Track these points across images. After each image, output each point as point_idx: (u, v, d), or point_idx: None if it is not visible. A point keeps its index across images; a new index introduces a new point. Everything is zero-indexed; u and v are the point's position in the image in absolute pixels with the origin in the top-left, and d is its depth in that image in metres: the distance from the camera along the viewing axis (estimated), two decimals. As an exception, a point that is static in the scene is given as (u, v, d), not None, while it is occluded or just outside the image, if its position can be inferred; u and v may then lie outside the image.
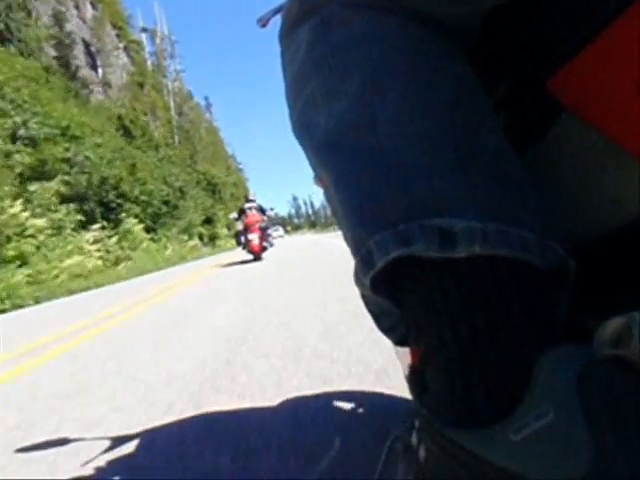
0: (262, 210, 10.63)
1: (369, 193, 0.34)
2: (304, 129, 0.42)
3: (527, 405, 0.27)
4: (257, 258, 9.87)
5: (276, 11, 0.53)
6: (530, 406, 0.27)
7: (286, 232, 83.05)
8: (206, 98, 75.72)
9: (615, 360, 0.26)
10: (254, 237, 9.61)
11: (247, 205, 10.59)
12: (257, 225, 9.79)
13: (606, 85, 0.32)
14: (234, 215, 10.99)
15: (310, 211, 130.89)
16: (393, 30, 0.37)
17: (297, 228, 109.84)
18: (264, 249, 10.02)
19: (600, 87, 0.33)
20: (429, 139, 0.33)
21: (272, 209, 12.06)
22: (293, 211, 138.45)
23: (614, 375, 0.26)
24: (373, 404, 1.32)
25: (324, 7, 0.40)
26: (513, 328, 0.29)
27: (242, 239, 10.03)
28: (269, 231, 10.50)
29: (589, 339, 0.28)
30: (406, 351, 0.54)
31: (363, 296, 0.39)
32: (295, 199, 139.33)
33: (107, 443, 1.35)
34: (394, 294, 0.35)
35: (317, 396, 1.47)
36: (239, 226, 10.73)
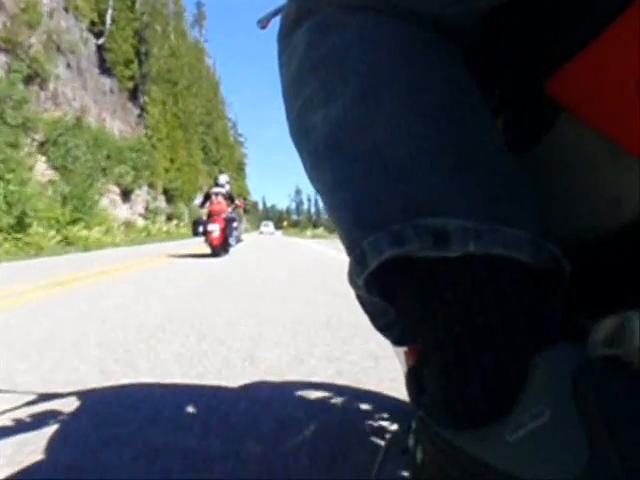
0: (231, 198, 9.14)
1: (364, 194, 0.34)
2: (301, 131, 0.42)
3: (523, 405, 0.27)
4: (216, 253, 8.32)
5: (276, 12, 0.53)
6: (526, 406, 0.27)
7: (280, 228, 69.62)
8: (198, 4, 54.59)
9: (610, 360, 0.26)
10: (215, 228, 8.11)
11: (214, 190, 9.00)
12: (221, 215, 8.34)
13: (605, 85, 0.32)
14: (199, 200, 9.46)
15: (313, 209, 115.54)
16: (390, 32, 0.37)
17: (295, 225, 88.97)
18: (227, 244, 8.55)
19: (599, 87, 0.33)
20: (425, 140, 0.33)
21: (245, 199, 11.10)
22: (294, 206, 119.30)
23: (609, 375, 0.26)
24: (370, 404, 1.30)
25: (322, 10, 0.40)
26: (508, 327, 0.29)
27: (201, 229, 8.42)
28: (235, 224, 8.96)
29: (585, 338, 0.28)
30: (404, 350, 0.55)
31: (358, 296, 0.39)
32: (298, 192, 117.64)
33: (32, 397, 1.31)
34: (389, 294, 0.35)
35: (314, 387, 1.45)
36: (204, 211, 9.17)
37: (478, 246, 0.30)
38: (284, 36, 0.45)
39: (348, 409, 1.30)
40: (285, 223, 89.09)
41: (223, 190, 9.01)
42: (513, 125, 0.42)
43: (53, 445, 1.06)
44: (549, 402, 0.26)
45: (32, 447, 1.05)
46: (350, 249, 0.35)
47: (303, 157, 0.43)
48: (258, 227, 60.36)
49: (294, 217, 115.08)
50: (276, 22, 0.49)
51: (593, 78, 0.33)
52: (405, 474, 0.36)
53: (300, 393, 1.40)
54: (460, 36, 0.40)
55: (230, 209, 8.82)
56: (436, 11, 0.37)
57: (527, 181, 0.36)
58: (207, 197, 9.07)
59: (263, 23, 0.55)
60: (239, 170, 61.40)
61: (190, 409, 1.29)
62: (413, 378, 0.35)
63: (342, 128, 0.36)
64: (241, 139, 77.75)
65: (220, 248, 8.35)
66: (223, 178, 9.53)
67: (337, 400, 1.35)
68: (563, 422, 0.25)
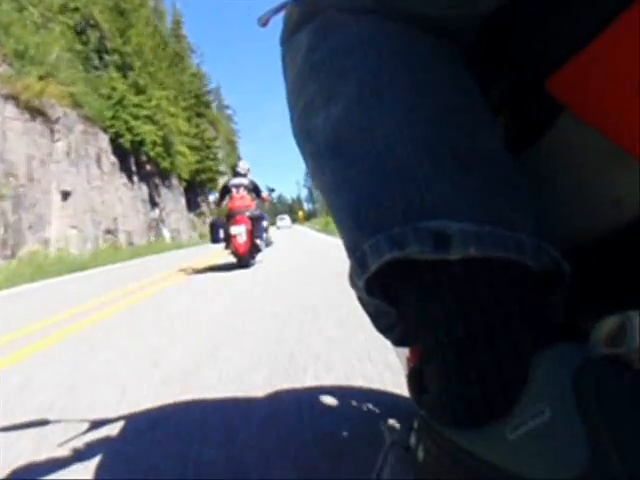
0: (256, 191, 6.96)
1: (365, 197, 0.34)
2: (303, 133, 0.42)
3: (524, 404, 0.27)
4: (243, 263, 6.35)
5: (276, 10, 0.53)
6: (526, 405, 0.27)
7: (294, 222, 59.39)
8: None
9: (610, 359, 0.26)
10: (240, 231, 6.15)
11: (234, 181, 6.85)
12: (246, 213, 6.38)
13: (605, 85, 0.32)
14: (214, 196, 7.57)
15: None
16: (391, 34, 0.38)
17: (311, 217, 70.81)
18: (255, 250, 6.52)
19: (599, 87, 0.33)
20: (425, 142, 0.34)
21: (273, 190, 7.99)
22: (306, 193, 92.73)
23: (609, 374, 0.26)
24: (372, 401, 1.31)
25: (323, 12, 0.40)
26: (509, 328, 0.29)
27: (221, 234, 6.43)
28: (264, 223, 6.73)
29: (586, 338, 0.28)
30: (406, 351, 0.55)
31: (359, 298, 0.40)
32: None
33: (86, 425, 1.37)
34: (390, 296, 0.36)
35: (313, 390, 1.47)
36: (222, 208, 6.96)
37: (478, 249, 0.30)
38: (286, 39, 0.45)
39: (352, 409, 1.31)
40: (300, 214, 70.72)
41: (245, 181, 6.88)
42: (513, 125, 0.42)
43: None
44: (549, 401, 0.27)
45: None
46: (351, 251, 0.36)
47: (306, 159, 0.43)
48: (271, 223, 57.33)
49: (307, 206, 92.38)
50: (276, 20, 0.50)
51: (593, 77, 0.33)
52: (407, 473, 0.37)
53: (313, 398, 1.43)
54: (460, 37, 0.40)
55: (254, 205, 6.82)
56: (436, 14, 0.37)
57: (527, 183, 0.36)
58: (225, 191, 6.93)
59: (263, 21, 0.55)
60: (201, 104, 35.52)
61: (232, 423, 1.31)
62: (415, 378, 0.35)
63: (343, 130, 0.37)
64: (229, 112, 61.42)
65: (248, 256, 6.40)
66: (244, 165, 7.22)
67: (342, 401, 1.37)
68: (563, 421, 0.26)
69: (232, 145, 58.51)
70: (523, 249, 0.30)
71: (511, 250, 0.30)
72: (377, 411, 1.24)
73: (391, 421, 1.11)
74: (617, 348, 0.26)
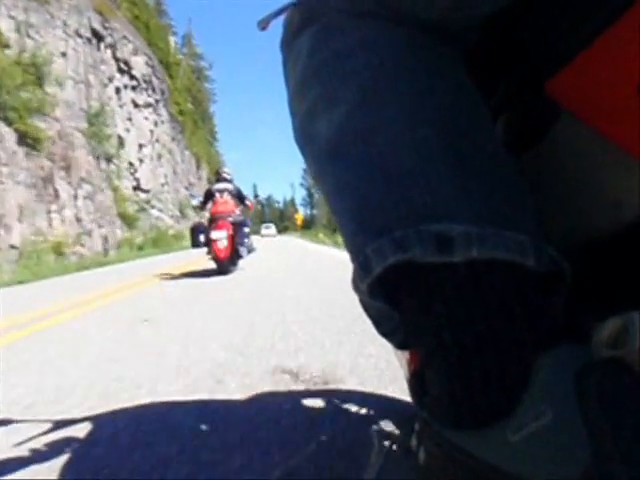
0: (240, 197, 6.83)
1: (367, 201, 0.34)
2: (305, 137, 0.42)
3: (526, 406, 0.27)
4: (222, 270, 6.17)
5: (276, 14, 0.51)
6: (529, 407, 0.27)
7: (284, 231, 48.59)
8: None
9: (612, 361, 0.26)
10: (220, 236, 5.99)
11: (218, 186, 6.74)
12: (228, 218, 6.24)
13: (605, 86, 0.33)
14: (198, 200, 7.11)
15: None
16: (391, 37, 0.37)
17: (310, 225, 53.71)
18: (236, 256, 6.35)
19: (599, 88, 0.33)
20: (426, 145, 0.34)
21: (257, 197, 7.84)
22: (304, 194, 69.43)
23: (611, 376, 0.26)
24: (373, 405, 1.29)
25: (324, 15, 0.40)
26: (511, 330, 0.29)
27: (202, 238, 6.33)
28: (246, 229, 6.57)
29: (588, 340, 0.28)
30: (407, 354, 0.54)
31: (362, 301, 0.39)
32: (307, 172, 43.33)
33: (48, 425, 1.29)
34: (393, 299, 0.35)
35: (318, 394, 1.43)
36: (205, 214, 6.73)
37: (481, 251, 0.30)
38: (287, 43, 0.45)
39: (352, 412, 1.29)
40: (297, 217, 54.01)
41: (230, 186, 6.75)
42: (514, 126, 0.42)
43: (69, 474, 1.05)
44: (552, 403, 0.27)
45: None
46: (354, 255, 0.35)
47: (308, 163, 0.43)
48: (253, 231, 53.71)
49: (305, 211, 69.30)
50: (276, 23, 0.49)
51: (593, 79, 0.33)
52: (408, 475, 0.35)
53: (306, 400, 1.40)
54: (461, 39, 0.39)
55: (238, 210, 6.66)
56: (437, 17, 0.37)
57: (527, 184, 0.36)
58: (209, 195, 6.77)
59: (263, 24, 0.53)
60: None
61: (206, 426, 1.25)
62: (416, 381, 0.35)
63: (345, 134, 0.37)
64: (203, 63, 50.59)
65: (228, 262, 6.21)
66: (229, 171, 7.18)
67: (341, 403, 1.35)
68: (566, 422, 0.26)
69: (201, 107, 46.67)
70: (525, 250, 0.30)
71: (513, 251, 0.30)
72: (373, 414, 1.22)
73: (384, 424, 1.07)
74: (619, 350, 0.26)
